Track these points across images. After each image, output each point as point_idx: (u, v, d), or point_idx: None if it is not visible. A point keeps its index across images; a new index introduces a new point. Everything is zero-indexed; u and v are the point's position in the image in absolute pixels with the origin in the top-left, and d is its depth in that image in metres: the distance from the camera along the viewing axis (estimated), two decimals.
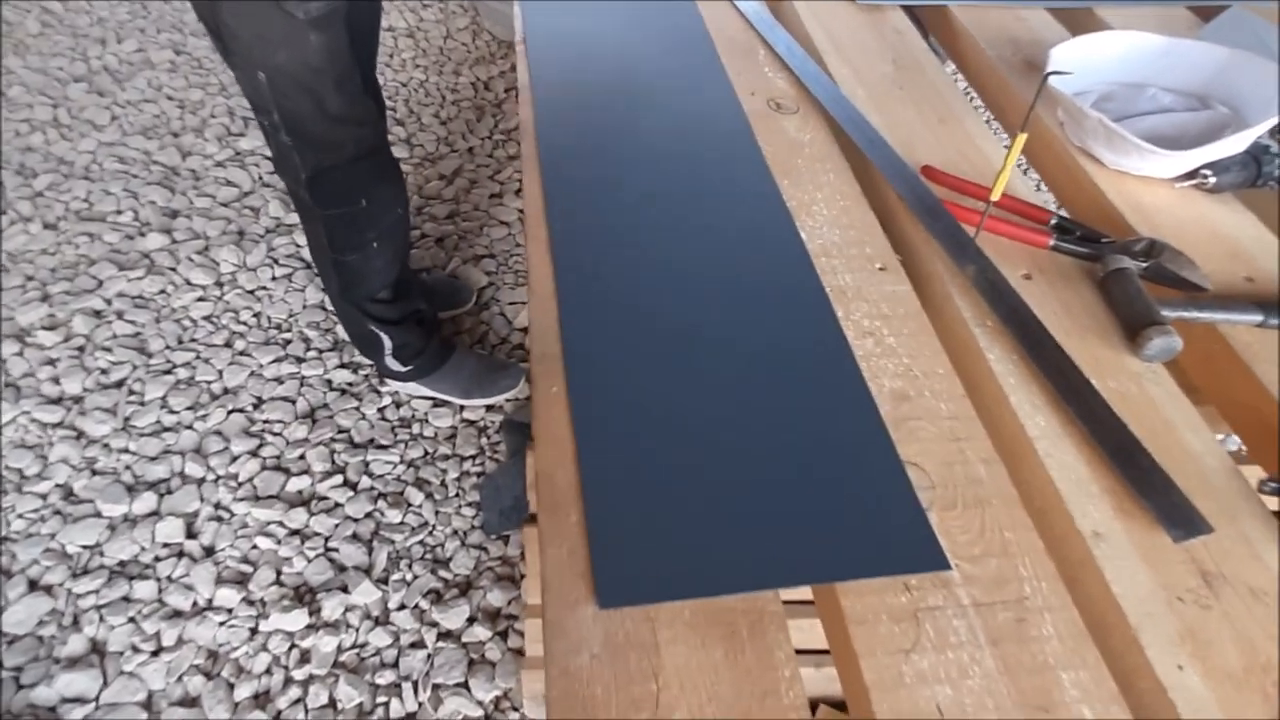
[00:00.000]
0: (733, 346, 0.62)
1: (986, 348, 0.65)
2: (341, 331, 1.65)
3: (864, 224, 0.75)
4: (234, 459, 1.45)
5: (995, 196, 0.69)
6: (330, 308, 1.70)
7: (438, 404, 1.56)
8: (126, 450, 1.45)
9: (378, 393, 1.57)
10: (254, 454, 1.46)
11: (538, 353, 0.62)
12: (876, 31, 1.02)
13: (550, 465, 0.55)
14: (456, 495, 1.44)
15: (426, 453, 1.50)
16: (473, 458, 1.50)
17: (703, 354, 0.61)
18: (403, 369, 1.49)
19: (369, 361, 1.58)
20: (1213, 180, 0.79)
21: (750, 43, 0.97)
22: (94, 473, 1.42)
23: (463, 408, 1.56)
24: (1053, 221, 0.75)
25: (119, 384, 1.55)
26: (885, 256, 0.72)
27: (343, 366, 1.61)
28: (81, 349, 1.60)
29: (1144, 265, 0.70)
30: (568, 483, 0.54)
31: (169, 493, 1.40)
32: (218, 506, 1.39)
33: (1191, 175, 0.81)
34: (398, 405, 1.56)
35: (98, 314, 1.66)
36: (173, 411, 1.51)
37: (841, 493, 0.54)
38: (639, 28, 0.97)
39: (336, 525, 1.38)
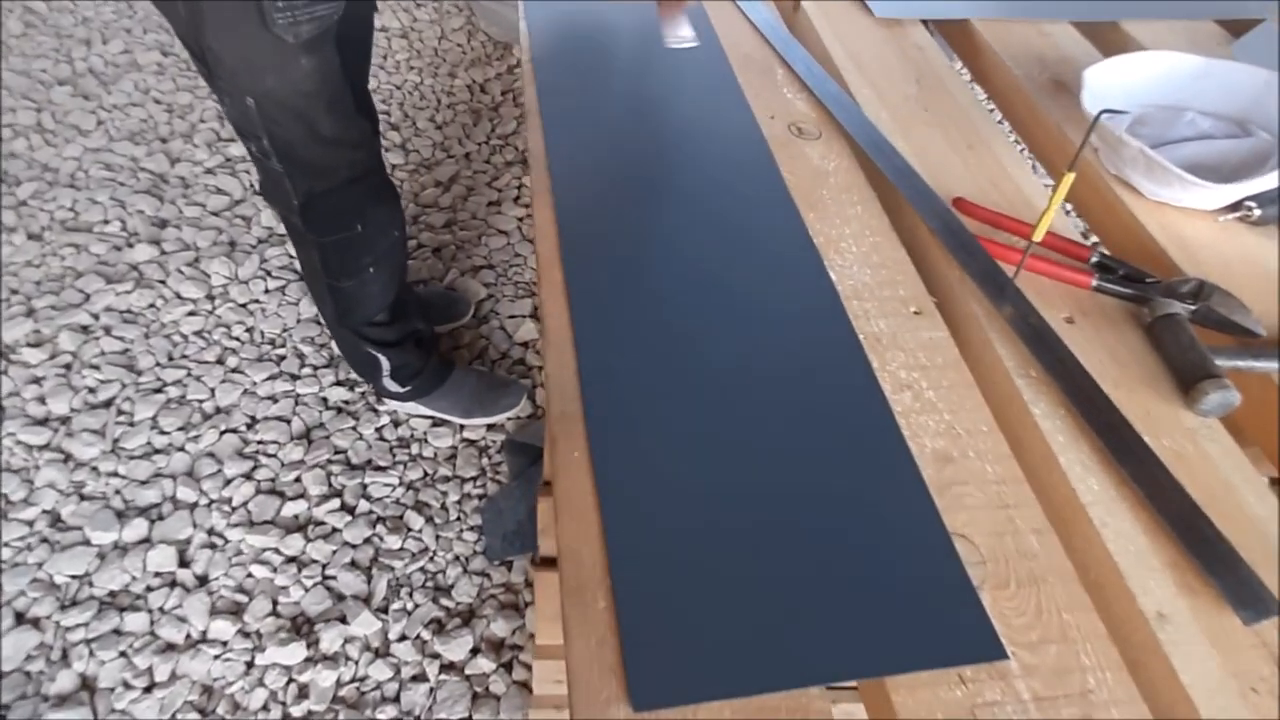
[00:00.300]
0: (765, 406, 0.58)
1: (1031, 401, 0.61)
2: (337, 347, 1.60)
3: (895, 262, 0.71)
4: (227, 482, 1.41)
5: (1038, 237, 0.65)
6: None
7: (437, 423, 1.52)
8: (116, 474, 1.41)
9: (375, 412, 1.53)
10: (248, 477, 1.42)
11: (556, 411, 0.58)
12: (897, 47, 0.98)
13: (574, 541, 0.51)
14: (458, 519, 1.40)
15: (426, 474, 1.46)
16: (474, 479, 1.46)
17: (734, 415, 0.57)
18: (401, 389, 1.45)
19: (366, 381, 1.54)
20: (1258, 213, 0.76)
21: (767, 60, 0.93)
22: (82, 498, 1.37)
23: (463, 427, 1.52)
24: (1094, 259, 0.71)
25: (107, 404, 1.50)
26: (920, 299, 0.68)
27: (339, 384, 1.57)
28: (68, 367, 1.55)
29: (1192, 308, 0.66)
30: (594, 561, 0.50)
31: (160, 519, 1.36)
32: (211, 533, 1.35)
33: (1235, 207, 0.77)
34: (396, 424, 1.52)
35: (85, 330, 1.61)
36: (163, 432, 1.47)
37: (889, 572, 0.50)
38: (651, 45, 0.93)
39: (334, 552, 1.34)
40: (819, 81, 0.89)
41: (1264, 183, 0.74)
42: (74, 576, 1.28)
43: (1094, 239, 0.83)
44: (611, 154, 0.78)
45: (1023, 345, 0.65)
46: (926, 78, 0.94)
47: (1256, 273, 0.73)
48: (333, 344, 1.62)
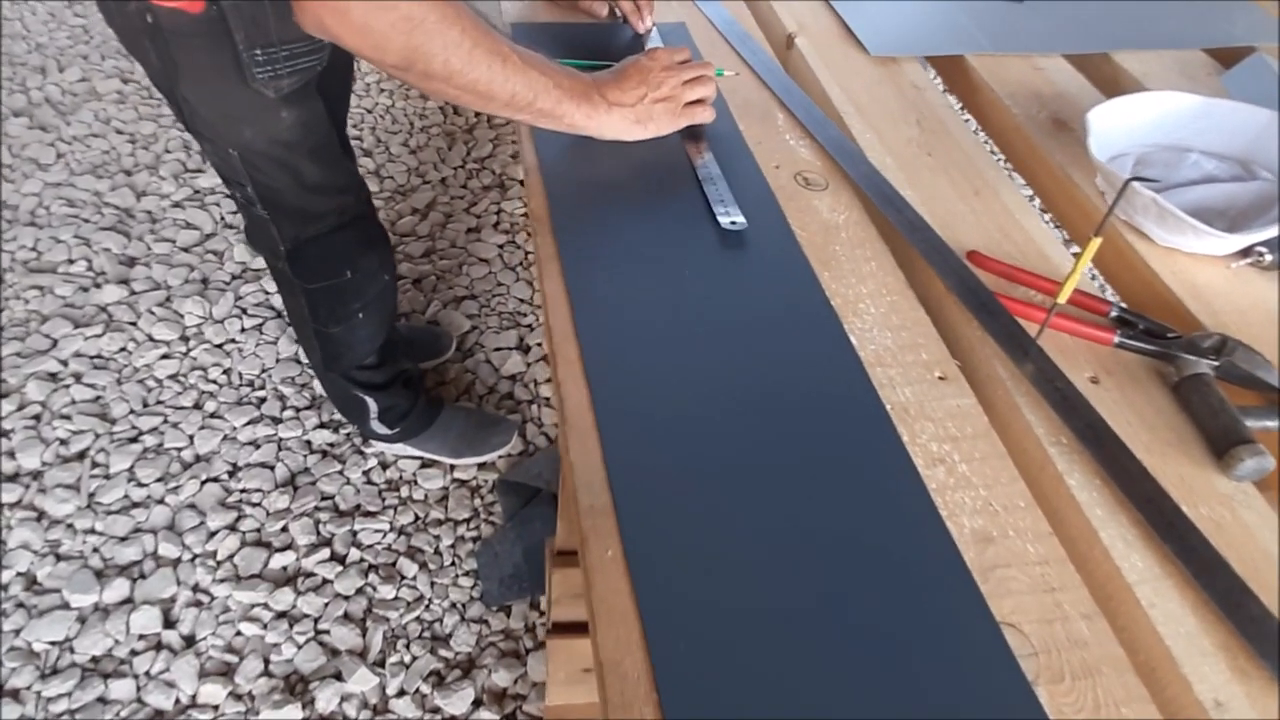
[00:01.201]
0: (800, 491, 0.56)
1: (1066, 472, 0.60)
2: (319, 387, 1.56)
3: (915, 323, 0.70)
4: (211, 535, 1.36)
5: (1063, 299, 0.64)
6: (306, 361, 1.61)
7: (427, 464, 1.49)
8: (93, 531, 1.35)
9: (362, 454, 1.49)
10: (232, 528, 1.38)
11: (585, 504, 0.55)
12: (895, 87, 0.97)
13: (616, 652, 0.49)
14: (452, 564, 1.37)
15: (417, 518, 1.42)
16: (467, 521, 1.43)
17: (768, 502, 0.55)
18: (389, 432, 1.41)
19: (352, 423, 1.50)
20: (1269, 258, 0.76)
21: (767, 105, 0.91)
22: (59, 558, 1.32)
23: (453, 467, 1.48)
24: (1113, 314, 0.70)
25: (81, 455, 1.45)
26: (943, 363, 0.67)
27: (323, 426, 1.53)
28: (37, 418, 1.49)
29: (1215, 364, 0.66)
30: (638, 674, 0.48)
31: (142, 577, 1.31)
32: (196, 589, 1.30)
33: (1246, 252, 0.77)
34: (384, 466, 1.48)
35: (54, 377, 1.55)
36: (141, 484, 1.41)
37: (940, 671, 0.49)
38: None
39: (326, 604, 1.30)
40: (821, 127, 0.87)
41: (1275, 228, 0.73)
42: (54, 643, 1.23)
43: (1108, 289, 0.82)
44: (617, 215, 0.76)
45: (1051, 410, 0.63)
46: (926, 119, 0.93)
47: (1273, 321, 0.73)
48: (315, 383, 1.58)
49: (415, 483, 1.47)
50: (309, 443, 1.50)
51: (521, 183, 2.08)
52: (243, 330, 1.67)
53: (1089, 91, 0.99)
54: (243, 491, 1.42)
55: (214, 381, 1.58)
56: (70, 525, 1.35)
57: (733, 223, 0.74)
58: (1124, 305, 0.72)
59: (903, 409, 0.63)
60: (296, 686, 1.22)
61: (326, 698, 1.20)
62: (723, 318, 0.67)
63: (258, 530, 1.38)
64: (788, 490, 0.56)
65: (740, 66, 0.97)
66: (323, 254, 1.11)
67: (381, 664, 1.25)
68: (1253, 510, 0.59)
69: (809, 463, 0.58)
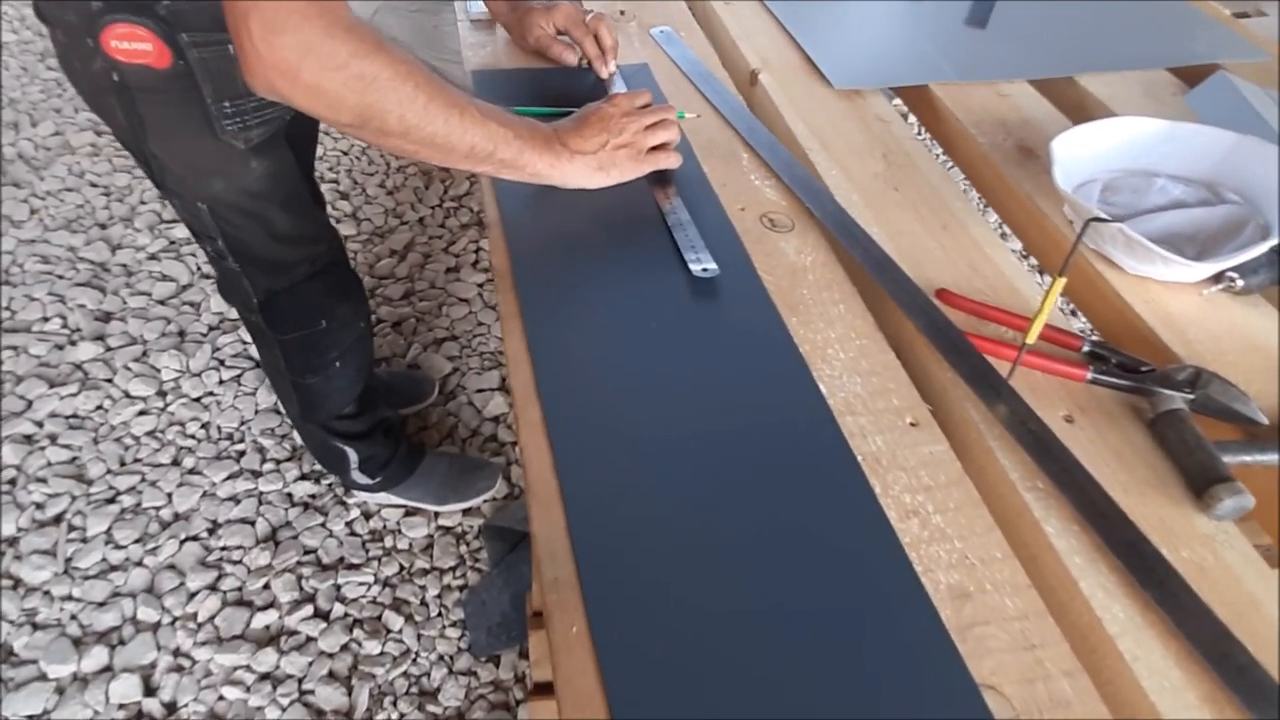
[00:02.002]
0: (772, 556, 0.54)
1: (1042, 518, 0.59)
2: (300, 438, 1.54)
3: (885, 366, 0.68)
4: (191, 596, 1.34)
5: (1031, 339, 0.63)
6: (285, 410, 1.59)
7: (410, 512, 1.46)
8: (70, 597, 1.33)
9: (344, 505, 1.47)
10: (213, 588, 1.35)
11: (549, 578, 0.54)
12: (860, 120, 0.96)
13: None
14: (439, 614, 1.35)
15: (402, 568, 1.40)
16: (453, 569, 1.40)
17: (740, 570, 0.54)
18: (371, 481, 1.39)
19: (333, 474, 1.48)
20: (1240, 284, 0.75)
21: (731, 145, 0.91)
22: (35, 627, 1.29)
23: (438, 515, 1.46)
24: (1085, 349, 0.69)
25: (57, 519, 1.42)
26: (915, 408, 0.65)
27: (304, 478, 1.50)
28: (13, 483, 1.46)
29: (1190, 397, 0.65)
30: None
31: (121, 643, 1.28)
32: (177, 654, 1.27)
33: (1217, 278, 0.76)
34: (367, 516, 1.46)
35: (29, 439, 1.53)
36: (119, 546, 1.39)
37: None
38: None
39: (310, 663, 1.27)
40: (786, 167, 0.87)
41: (1246, 254, 0.73)
42: (30, 717, 1.20)
43: (1082, 325, 0.81)
44: (580, 268, 0.75)
45: (1025, 453, 0.62)
46: (893, 152, 0.92)
47: (1247, 347, 0.72)
48: (294, 434, 1.56)
49: (399, 532, 1.44)
50: (290, 495, 1.48)
51: None
52: (221, 382, 1.65)
53: (1055, 117, 0.99)
54: (223, 549, 1.40)
55: (192, 436, 1.56)
56: (47, 592, 1.33)
57: (704, 269, 0.73)
58: (1096, 339, 0.71)
59: (874, 459, 0.61)
60: None
61: None
62: (690, 371, 0.65)
63: (239, 589, 1.35)
64: (761, 559, 0.54)
65: (704, 106, 0.96)
66: (296, 304, 1.10)
67: None
68: (1235, 551, 0.58)
69: (783, 528, 0.56)
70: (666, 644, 0.50)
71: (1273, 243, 0.73)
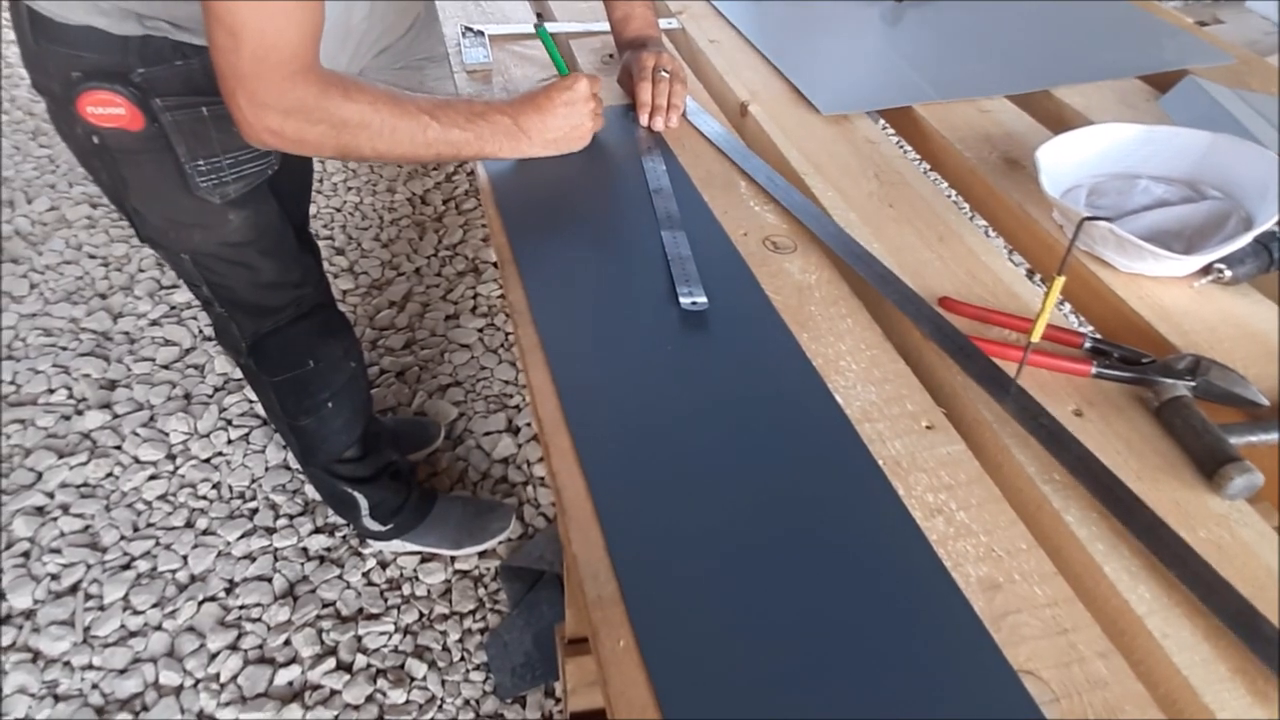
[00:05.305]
0: (804, 559, 0.56)
1: (1062, 509, 0.60)
2: (311, 491, 1.55)
3: (897, 375, 0.71)
4: (212, 657, 1.33)
5: (1036, 338, 0.65)
6: (295, 465, 1.60)
7: (426, 558, 1.47)
8: (91, 666, 1.32)
9: (360, 555, 1.47)
10: (234, 647, 1.35)
11: (592, 596, 0.55)
12: (850, 144, 1.00)
13: None
14: (462, 659, 1.34)
15: (422, 615, 1.40)
16: (472, 613, 1.40)
17: (777, 573, 0.55)
18: (383, 528, 1.40)
19: (346, 521, 1.48)
20: (1229, 274, 0.78)
21: (728, 175, 0.94)
22: (57, 699, 1.28)
23: (454, 559, 1.47)
24: (1087, 345, 0.72)
25: (73, 589, 1.42)
26: (929, 412, 0.68)
27: (318, 531, 1.51)
28: (27, 555, 1.46)
29: (1192, 384, 0.67)
30: None
31: (145, 709, 1.27)
32: (201, 716, 1.27)
33: (1206, 270, 0.79)
34: (383, 566, 1.46)
35: (40, 511, 1.53)
36: (137, 612, 1.38)
37: None
38: (609, 177, 0.93)
39: (336, 717, 1.27)
40: (783, 192, 0.90)
41: (1232, 245, 0.76)
42: None
43: (1079, 320, 0.84)
44: (606, 309, 0.76)
45: (1040, 447, 0.64)
46: (884, 171, 0.95)
47: (1241, 334, 0.75)
48: (307, 488, 1.56)
49: (417, 579, 1.44)
50: (305, 550, 1.48)
51: (495, 264, 2.11)
52: (229, 442, 1.66)
53: (1035, 129, 1.03)
54: (241, 608, 1.40)
55: (204, 497, 1.56)
56: (67, 663, 1.32)
57: (694, 303, 0.75)
58: (1097, 335, 0.73)
59: (895, 463, 0.63)
60: None
61: None
62: (710, 390, 0.68)
63: (259, 646, 1.35)
64: (795, 562, 0.56)
65: (698, 140, 0.99)
66: (283, 346, 1.12)
67: None
68: (1250, 528, 0.60)
69: (813, 533, 0.58)
70: (712, 649, 0.51)
71: (1256, 233, 0.76)
